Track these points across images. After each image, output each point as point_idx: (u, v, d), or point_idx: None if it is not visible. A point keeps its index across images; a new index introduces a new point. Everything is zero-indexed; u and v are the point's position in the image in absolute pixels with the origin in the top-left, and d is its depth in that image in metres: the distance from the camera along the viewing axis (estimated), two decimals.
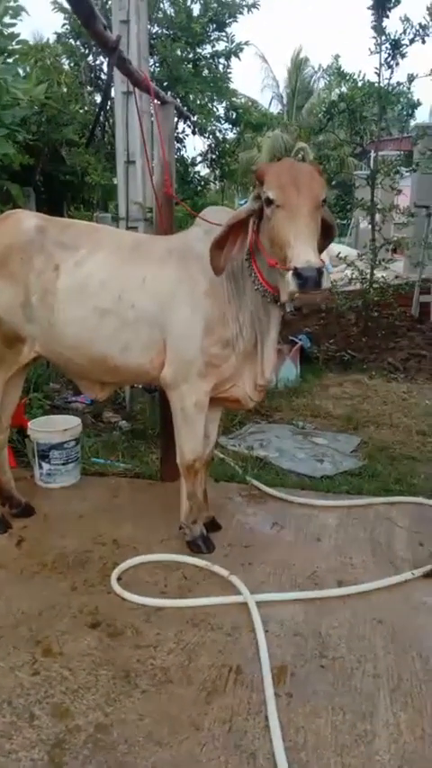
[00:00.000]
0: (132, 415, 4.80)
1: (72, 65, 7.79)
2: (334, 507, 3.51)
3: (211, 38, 8.20)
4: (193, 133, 8.33)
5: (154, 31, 7.65)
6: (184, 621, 2.48)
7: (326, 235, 2.62)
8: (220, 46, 8.27)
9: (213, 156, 8.82)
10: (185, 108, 6.90)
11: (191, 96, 7.66)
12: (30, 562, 2.90)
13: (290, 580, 2.80)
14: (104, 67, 7.37)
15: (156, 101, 3.50)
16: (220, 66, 8.29)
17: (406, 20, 6.62)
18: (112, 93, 4.88)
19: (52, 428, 3.72)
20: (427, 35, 6.65)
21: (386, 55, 6.86)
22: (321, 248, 2.59)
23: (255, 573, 2.84)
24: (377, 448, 4.43)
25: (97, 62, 7.71)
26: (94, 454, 4.12)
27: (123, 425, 4.64)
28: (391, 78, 6.96)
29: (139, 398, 4.84)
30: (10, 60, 4.48)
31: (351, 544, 3.13)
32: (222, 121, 8.87)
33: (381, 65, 6.90)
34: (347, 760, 1.85)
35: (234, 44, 8.23)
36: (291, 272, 2.27)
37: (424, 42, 6.69)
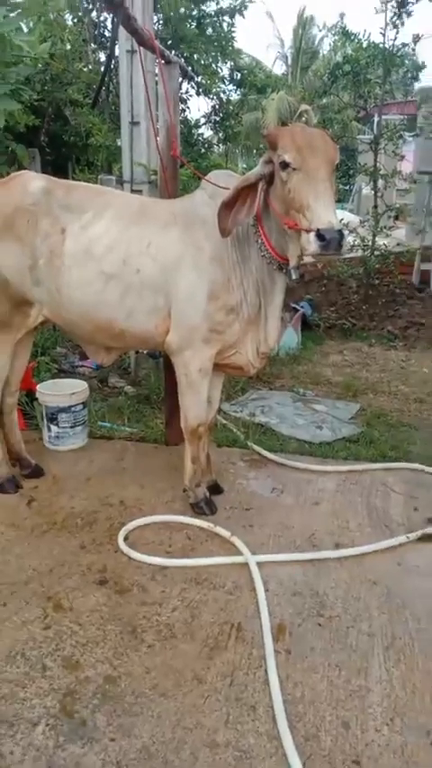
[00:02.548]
0: (137, 380, 4.84)
1: (75, 21, 7.56)
2: (332, 472, 3.58)
3: None
4: (197, 94, 8.17)
5: None
6: (187, 580, 2.56)
7: None
8: (225, 2, 8.06)
9: (217, 118, 8.66)
10: (190, 68, 6.75)
11: (195, 56, 7.48)
12: (40, 521, 2.97)
13: (289, 542, 2.88)
14: (109, 24, 7.17)
15: (161, 60, 3.43)
16: (225, 25, 8.07)
17: None
18: (117, 52, 4.77)
19: (60, 392, 3.76)
20: None
21: (392, 14, 6.69)
22: None
23: (255, 534, 2.92)
24: (375, 415, 4.49)
25: (101, 18, 7.49)
26: (101, 418, 4.17)
27: (129, 390, 4.67)
28: (396, 39, 6.81)
29: (144, 364, 4.87)
30: (12, 14, 4.35)
31: (348, 508, 3.20)
32: (227, 82, 8.68)
33: (386, 24, 6.74)
34: (342, 713, 1.94)
35: (239, 1, 7.99)
36: (313, 234, 2.28)
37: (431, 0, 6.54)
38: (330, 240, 2.26)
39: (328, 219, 2.28)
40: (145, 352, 4.76)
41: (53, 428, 3.72)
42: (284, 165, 2.41)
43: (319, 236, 2.27)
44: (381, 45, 6.90)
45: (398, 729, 1.89)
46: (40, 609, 2.36)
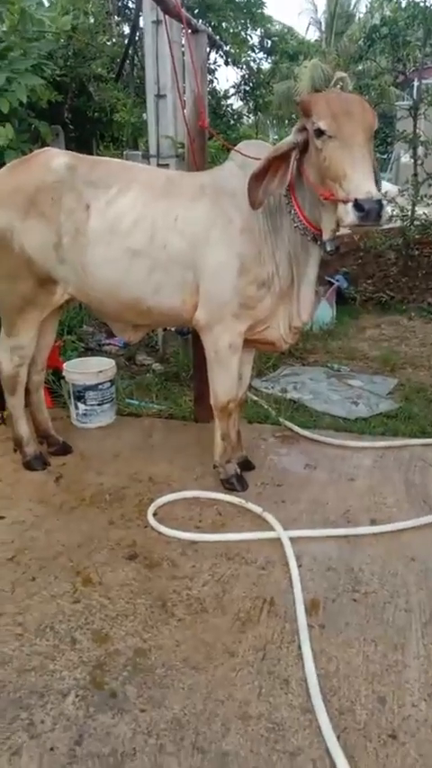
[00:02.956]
0: (165, 357, 4.82)
1: None
2: (368, 448, 3.50)
3: None
4: (226, 64, 8.00)
5: None
6: (218, 555, 2.54)
7: None
8: None
9: (247, 88, 8.49)
10: (218, 37, 6.60)
11: (224, 24, 7.31)
12: (68, 497, 2.98)
13: (323, 518, 2.83)
14: None
15: (187, 29, 3.35)
16: None
17: None
18: (141, 23, 4.69)
19: (87, 370, 3.76)
20: None
21: None
22: None
23: (288, 510, 2.87)
24: (414, 390, 4.39)
25: None
26: (129, 396, 4.17)
27: (156, 368, 4.67)
28: None
29: (172, 341, 4.85)
30: None
31: (385, 484, 3.13)
32: (257, 51, 8.49)
33: None
34: (378, 687, 1.90)
35: None
36: (351, 204, 2.20)
37: None
38: (369, 210, 2.17)
39: (366, 189, 2.19)
40: (173, 329, 4.73)
41: (81, 406, 3.73)
42: (319, 133, 2.32)
43: (358, 206, 2.18)
44: (421, 4, 6.62)
45: None
46: (70, 583, 2.37)
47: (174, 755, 1.68)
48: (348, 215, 2.22)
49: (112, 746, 1.71)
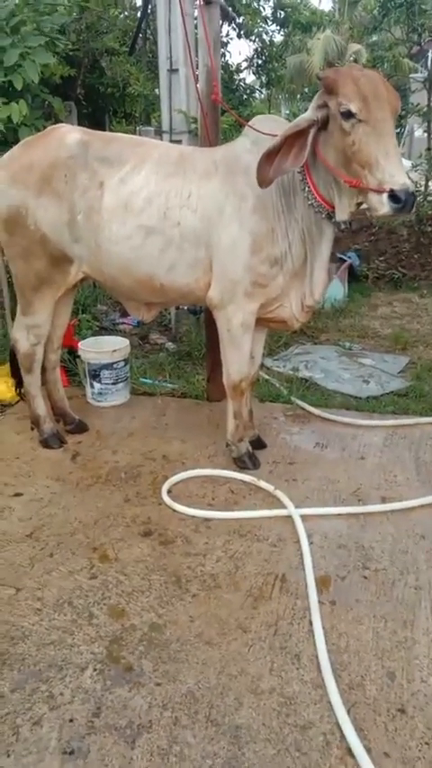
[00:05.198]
0: (178, 336, 4.83)
1: None
2: (379, 427, 3.51)
3: None
4: (239, 36, 7.83)
5: None
6: (231, 532, 2.58)
7: None
8: None
9: (260, 62, 8.31)
10: (230, 9, 6.46)
11: None
12: (85, 475, 3.02)
13: (333, 496, 2.86)
14: None
15: (200, 1, 3.28)
16: None
17: None
18: None
19: (102, 349, 3.78)
20: None
21: None
22: None
23: (299, 488, 2.90)
24: (425, 368, 4.37)
25: None
26: (142, 374, 4.19)
27: (169, 347, 4.68)
28: None
29: (185, 320, 4.85)
30: None
31: (396, 463, 3.14)
32: (269, 22, 8.29)
33: None
34: (387, 663, 1.94)
35: None
36: (386, 195, 2.20)
37: None
38: (406, 201, 2.18)
39: (402, 180, 2.18)
40: (185, 307, 4.73)
41: (96, 385, 3.76)
42: (348, 115, 2.27)
43: (394, 197, 2.18)
44: None
45: None
46: (86, 559, 2.42)
47: (188, 728, 1.73)
48: (384, 206, 2.22)
49: (129, 719, 1.76)
